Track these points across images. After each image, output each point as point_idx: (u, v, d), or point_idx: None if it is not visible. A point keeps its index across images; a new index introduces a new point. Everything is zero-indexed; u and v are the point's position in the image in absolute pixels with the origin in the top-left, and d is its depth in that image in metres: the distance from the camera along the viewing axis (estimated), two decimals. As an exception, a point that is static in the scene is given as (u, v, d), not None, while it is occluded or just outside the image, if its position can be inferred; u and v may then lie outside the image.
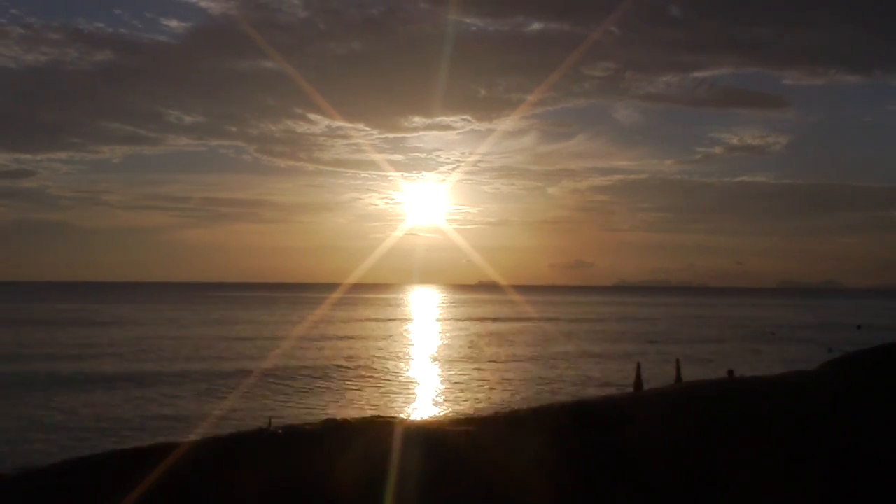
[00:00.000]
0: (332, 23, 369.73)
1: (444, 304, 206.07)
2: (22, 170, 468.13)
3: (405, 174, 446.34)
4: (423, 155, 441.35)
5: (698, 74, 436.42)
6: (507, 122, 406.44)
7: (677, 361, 40.03)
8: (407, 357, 68.00)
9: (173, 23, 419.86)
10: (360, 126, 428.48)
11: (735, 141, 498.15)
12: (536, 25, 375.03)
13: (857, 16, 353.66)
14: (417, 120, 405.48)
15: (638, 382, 37.90)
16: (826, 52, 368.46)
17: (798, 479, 12.58)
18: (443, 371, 57.99)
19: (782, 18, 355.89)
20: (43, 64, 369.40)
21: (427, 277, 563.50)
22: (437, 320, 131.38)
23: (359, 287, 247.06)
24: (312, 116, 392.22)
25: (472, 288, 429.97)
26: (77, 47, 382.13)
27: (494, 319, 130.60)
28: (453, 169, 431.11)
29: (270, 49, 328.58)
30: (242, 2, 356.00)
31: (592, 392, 43.06)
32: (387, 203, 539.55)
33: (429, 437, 13.46)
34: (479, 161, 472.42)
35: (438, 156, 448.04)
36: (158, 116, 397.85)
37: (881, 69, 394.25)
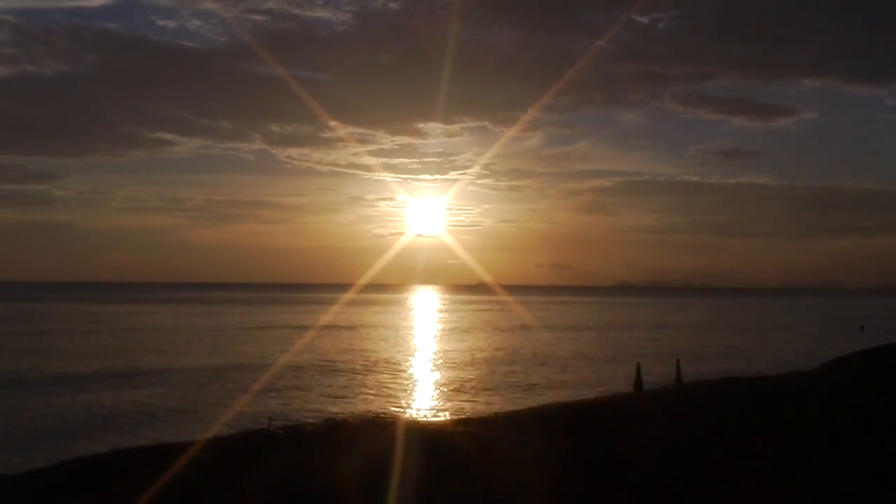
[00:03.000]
0: (363, 35, 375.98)
1: (444, 305, 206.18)
2: (42, 173, 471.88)
3: (418, 178, 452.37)
4: (439, 160, 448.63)
5: (698, 84, 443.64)
6: (516, 127, 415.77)
7: (677, 362, 40.09)
8: (407, 357, 68.03)
9: (209, 33, 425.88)
10: (379, 132, 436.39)
11: (735, 145, 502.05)
12: (543, 37, 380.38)
13: (855, 23, 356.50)
14: (435, 126, 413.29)
15: (638, 382, 37.98)
16: (824, 60, 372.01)
17: (797, 480, 12.59)
18: (443, 372, 58.00)
19: (778, 29, 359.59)
20: (80, 72, 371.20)
21: (429, 278, 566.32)
22: (438, 321, 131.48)
23: (366, 287, 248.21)
24: (333, 123, 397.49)
25: (472, 288, 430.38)
26: (118, 57, 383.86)
27: (494, 320, 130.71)
28: (463, 173, 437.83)
29: (297, 59, 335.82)
30: (285, 19, 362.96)
31: (592, 392, 43.05)
32: (398, 207, 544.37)
33: (430, 437, 13.48)
34: (489, 164, 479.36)
35: (453, 160, 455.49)
36: (184, 121, 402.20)
37: (878, 75, 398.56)
